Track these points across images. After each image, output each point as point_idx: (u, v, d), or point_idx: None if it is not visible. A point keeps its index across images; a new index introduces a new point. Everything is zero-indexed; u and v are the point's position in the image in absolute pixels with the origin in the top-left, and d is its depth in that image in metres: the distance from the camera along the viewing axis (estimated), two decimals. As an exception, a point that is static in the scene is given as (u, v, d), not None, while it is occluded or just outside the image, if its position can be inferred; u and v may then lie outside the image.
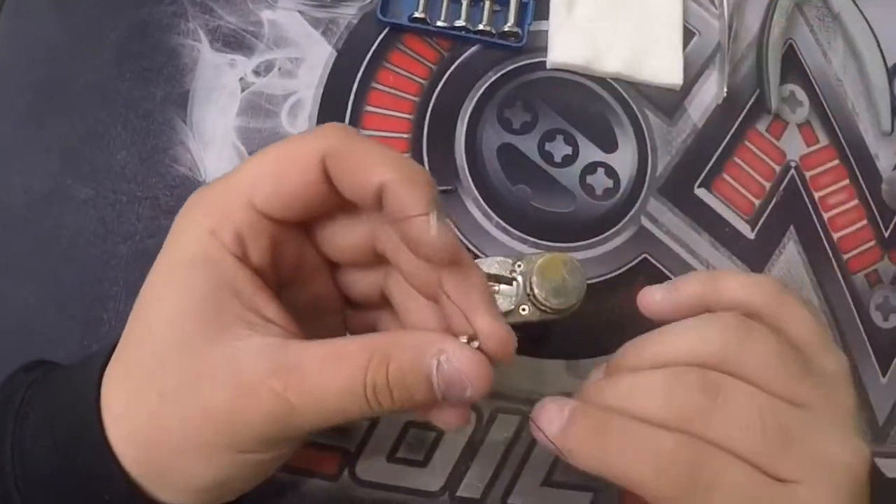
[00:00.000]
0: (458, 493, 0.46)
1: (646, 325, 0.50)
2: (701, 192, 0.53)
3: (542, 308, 0.41)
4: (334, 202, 0.30)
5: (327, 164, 0.29)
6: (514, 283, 0.41)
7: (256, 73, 0.50)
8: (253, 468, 0.30)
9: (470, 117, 0.51)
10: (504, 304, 0.41)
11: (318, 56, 0.51)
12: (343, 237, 0.32)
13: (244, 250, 0.29)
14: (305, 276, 0.33)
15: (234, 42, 0.50)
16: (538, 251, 0.48)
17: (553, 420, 0.32)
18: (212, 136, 0.48)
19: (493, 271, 0.41)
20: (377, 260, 0.33)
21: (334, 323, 0.36)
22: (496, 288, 0.41)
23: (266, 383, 0.27)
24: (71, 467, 0.29)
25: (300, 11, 0.51)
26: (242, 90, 0.49)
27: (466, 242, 0.49)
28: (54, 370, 0.35)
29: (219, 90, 0.49)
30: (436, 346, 0.29)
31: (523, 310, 0.41)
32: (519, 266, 0.42)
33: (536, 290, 0.41)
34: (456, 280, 0.30)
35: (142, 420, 0.29)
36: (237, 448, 0.28)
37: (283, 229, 0.30)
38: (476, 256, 0.47)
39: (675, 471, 0.30)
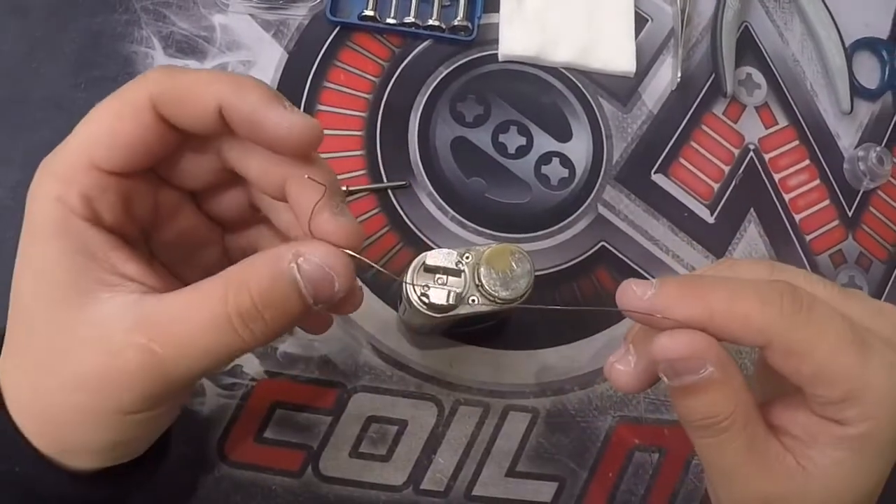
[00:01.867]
0: (423, 486, 0.46)
1: (605, 313, 0.50)
2: (658, 178, 0.53)
3: (492, 298, 0.41)
4: (175, 139, 0.30)
5: (157, 106, 0.28)
6: (462, 274, 0.41)
7: (210, 77, 0.50)
8: (145, 425, 0.29)
9: (422, 112, 0.52)
10: (452, 296, 0.41)
11: (269, 58, 0.51)
12: (194, 166, 0.32)
13: (94, 211, 0.29)
14: (168, 215, 0.33)
15: (187, 47, 0.51)
16: (490, 243, 0.48)
17: (642, 288, 0.31)
18: (168, 141, 0.49)
19: (439, 263, 0.41)
20: (234, 178, 0.32)
21: (215, 253, 0.36)
22: (444, 279, 0.41)
23: (129, 339, 0.27)
24: None
25: (251, 14, 0.52)
26: (196, 95, 0.50)
27: (422, 237, 0.50)
28: None
29: (173, 96, 0.50)
30: (290, 252, 0.28)
31: (472, 301, 0.42)
32: (467, 257, 0.42)
33: (484, 281, 0.41)
34: (299, 184, 0.30)
35: (26, 393, 0.29)
36: (120, 410, 0.28)
37: (130, 180, 0.30)
38: (429, 249, 0.47)
39: (779, 298, 0.28)
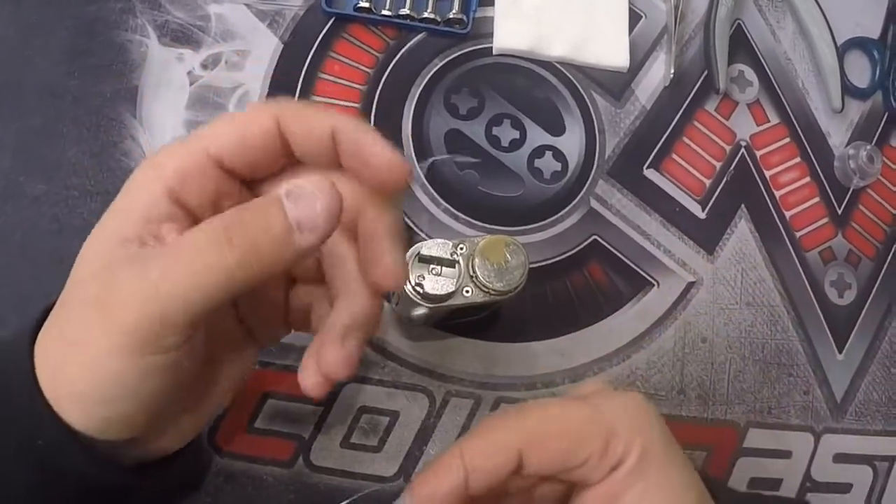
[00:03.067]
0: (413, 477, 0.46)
1: (595, 306, 0.50)
2: (650, 173, 0.54)
3: (486, 290, 0.42)
4: (280, 163, 0.32)
5: (281, 120, 0.30)
6: (456, 265, 0.41)
7: (204, 66, 0.50)
8: (129, 379, 0.29)
9: (417, 104, 0.52)
10: (447, 286, 0.41)
11: (264, 48, 0.51)
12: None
13: (183, 187, 0.30)
14: None
15: (181, 37, 0.50)
16: (483, 234, 0.48)
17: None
18: (161, 130, 0.49)
19: (434, 253, 0.41)
20: None
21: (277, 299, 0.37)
22: (438, 270, 0.41)
23: (133, 269, 0.28)
24: None
25: (247, 4, 0.52)
26: (191, 84, 0.50)
27: (415, 229, 0.50)
28: None
29: (167, 85, 0.50)
30: (287, 183, 0.30)
31: (466, 292, 0.42)
32: (461, 248, 0.42)
33: (479, 272, 0.41)
34: (375, 212, 0.32)
35: (53, 334, 0.30)
36: (108, 343, 0.28)
37: (229, 182, 0.31)
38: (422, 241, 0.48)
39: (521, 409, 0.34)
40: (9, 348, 0.31)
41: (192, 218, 0.31)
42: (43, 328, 0.30)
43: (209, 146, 0.31)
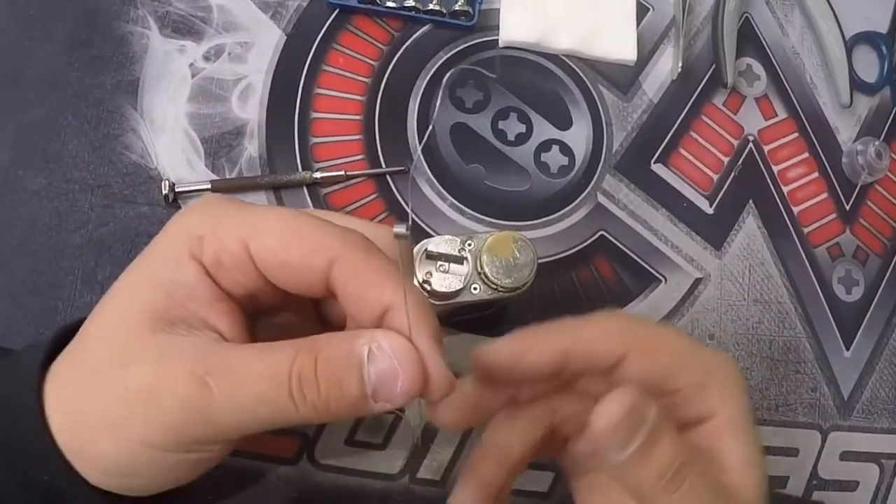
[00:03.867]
0: (419, 475, 0.46)
1: (602, 302, 0.50)
2: (658, 168, 0.53)
3: (494, 286, 0.41)
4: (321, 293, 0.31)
5: (334, 272, 0.29)
6: (465, 261, 0.41)
7: (206, 58, 0.49)
8: (159, 466, 0.29)
9: (422, 97, 0.51)
10: (454, 283, 0.41)
11: (267, 40, 0.50)
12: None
13: (217, 271, 0.29)
14: (285, 307, 0.33)
15: (183, 28, 0.50)
16: (491, 230, 0.47)
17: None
18: (163, 122, 0.48)
19: (441, 250, 0.41)
20: None
21: None
22: (445, 267, 0.41)
23: (186, 366, 0.27)
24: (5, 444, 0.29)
25: (249, -5, 0.51)
26: (193, 76, 0.49)
27: (420, 224, 0.49)
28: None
29: (169, 77, 0.49)
30: (368, 336, 0.28)
31: (475, 289, 0.41)
32: (469, 245, 0.41)
33: (487, 269, 0.41)
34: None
35: (73, 389, 0.29)
36: (147, 437, 0.27)
37: (266, 283, 0.30)
38: (428, 236, 0.47)
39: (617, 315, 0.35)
40: (19, 382, 0.30)
41: (229, 299, 0.30)
42: (62, 375, 0.29)
43: (251, 243, 0.29)
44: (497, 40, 0.53)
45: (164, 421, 0.27)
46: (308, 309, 0.34)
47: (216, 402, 0.27)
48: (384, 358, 0.28)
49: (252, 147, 0.48)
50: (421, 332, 0.28)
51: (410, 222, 0.29)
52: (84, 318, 0.31)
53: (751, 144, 0.55)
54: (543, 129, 0.52)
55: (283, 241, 0.29)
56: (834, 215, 0.55)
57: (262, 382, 0.27)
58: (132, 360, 0.28)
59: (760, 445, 0.32)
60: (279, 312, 0.34)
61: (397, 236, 0.27)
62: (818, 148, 0.56)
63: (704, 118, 0.55)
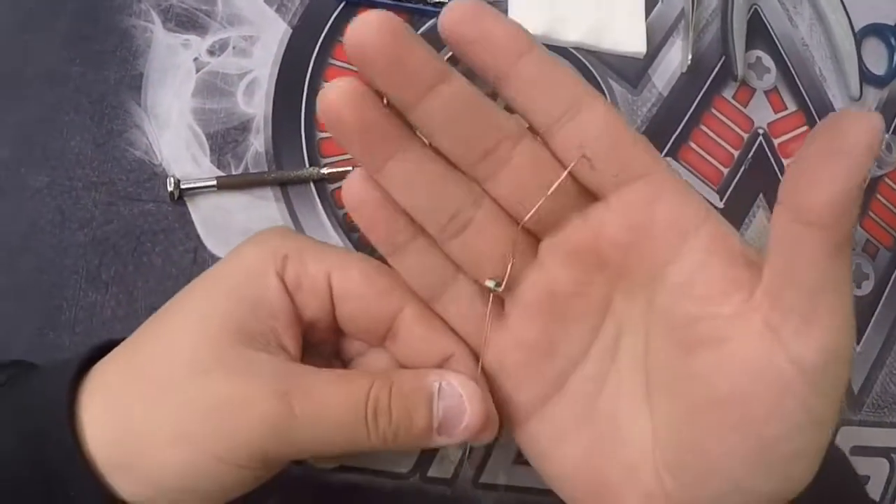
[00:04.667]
0: (430, 474, 0.45)
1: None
2: (668, 162, 0.52)
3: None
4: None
5: (404, 315, 0.31)
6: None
7: (211, 52, 0.49)
8: (224, 481, 0.29)
9: (430, 92, 0.50)
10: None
11: (273, 33, 0.50)
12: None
13: (295, 292, 0.30)
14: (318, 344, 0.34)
15: (187, 22, 0.49)
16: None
17: None
18: (167, 118, 0.47)
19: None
20: None
21: None
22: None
23: (272, 386, 0.27)
24: (33, 458, 0.28)
25: (254, -12, 0.50)
26: (197, 70, 0.48)
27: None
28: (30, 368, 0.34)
29: (173, 71, 0.48)
30: (438, 373, 0.30)
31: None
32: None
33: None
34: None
35: (132, 400, 0.28)
36: (224, 452, 0.27)
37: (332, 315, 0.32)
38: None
39: None
40: (47, 397, 0.29)
41: (299, 324, 0.31)
42: (114, 386, 0.29)
43: (333, 273, 0.31)
44: (505, 33, 0.52)
45: (244, 436, 0.27)
46: (328, 355, 0.35)
47: (297, 423, 0.27)
48: (453, 395, 0.29)
49: (258, 142, 0.48)
50: (481, 381, 0.31)
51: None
52: (118, 340, 0.31)
53: (761, 137, 0.54)
54: (552, 123, 0.52)
55: (367, 276, 0.31)
56: (844, 209, 0.55)
57: (341, 408, 0.28)
58: (216, 370, 0.28)
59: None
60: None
61: (490, 290, 0.29)
62: (828, 141, 0.55)
63: (714, 111, 0.54)
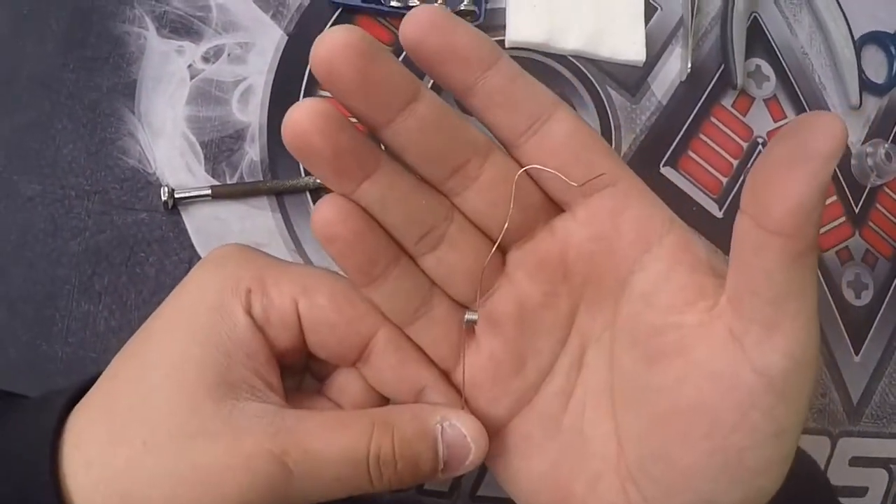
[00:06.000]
0: (427, 486, 0.45)
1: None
2: (667, 171, 0.52)
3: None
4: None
5: (376, 342, 0.30)
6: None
7: (205, 59, 0.48)
8: None
9: (427, 100, 0.50)
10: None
11: (268, 40, 0.49)
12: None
13: (264, 327, 0.29)
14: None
15: (181, 28, 0.48)
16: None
17: None
18: (161, 126, 0.47)
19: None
20: None
21: None
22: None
23: (264, 446, 0.26)
24: None
25: (249, -6, 0.50)
26: (191, 78, 0.48)
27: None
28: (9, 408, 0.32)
29: (167, 78, 0.48)
30: (438, 413, 0.29)
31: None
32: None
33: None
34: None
35: (120, 467, 0.26)
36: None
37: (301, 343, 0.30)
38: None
39: None
40: (32, 438, 0.27)
41: (275, 352, 0.30)
42: (95, 452, 0.27)
43: (300, 300, 0.29)
44: (504, 40, 0.52)
45: (241, 499, 0.26)
46: (299, 372, 0.34)
47: (294, 481, 0.26)
48: (456, 435, 0.29)
49: (253, 151, 0.47)
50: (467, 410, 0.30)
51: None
52: (93, 379, 0.29)
53: (760, 146, 0.54)
54: (551, 132, 0.51)
55: (335, 301, 0.29)
56: (843, 218, 0.54)
57: (341, 463, 0.27)
58: (199, 434, 0.26)
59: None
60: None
61: (468, 322, 0.29)
62: (827, 150, 0.55)
63: (714, 120, 0.54)
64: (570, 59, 0.53)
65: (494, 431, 0.31)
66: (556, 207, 0.30)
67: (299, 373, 0.33)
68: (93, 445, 0.27)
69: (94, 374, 0.30)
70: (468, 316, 0.29)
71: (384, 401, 0.32)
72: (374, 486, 0.28)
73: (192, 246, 0.45)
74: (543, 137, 0.28)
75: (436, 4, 0.27)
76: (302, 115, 0.26)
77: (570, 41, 0.52)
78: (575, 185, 0.28)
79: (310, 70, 0.49)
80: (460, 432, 0.29)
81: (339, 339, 0.30)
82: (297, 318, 0.29)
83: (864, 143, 0.55)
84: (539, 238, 0.30)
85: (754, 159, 0.54)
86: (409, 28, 0.26)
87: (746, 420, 0.25)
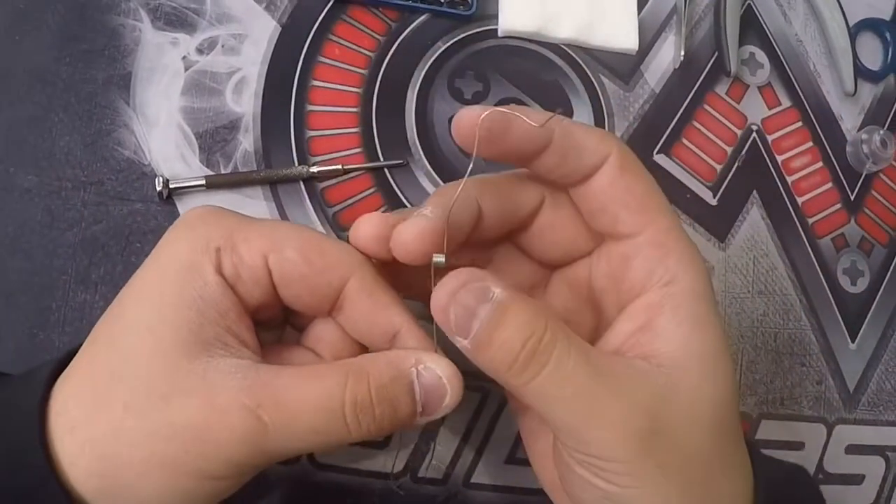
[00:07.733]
0: (420, 474, 0.45)
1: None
2: (660, 159, 0.52)
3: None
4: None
5: (348, 290, 0.30)
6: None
7: (200, 51, 0.48)
8: (210, 495, 0.28)
9: (420, 89, 0.50)
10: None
11: (261, 31, 0.49)
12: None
13: (236, 288, 0.29)
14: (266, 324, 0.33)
15: (175, 20, 0.49)
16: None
17: None
18: (156, 117, 0.47)
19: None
20: None
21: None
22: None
23: (238, 400, 0.26)
24: (8, 485, 0.27)
25: (242, -14, 0.50)
26: (186, 69, 0.48)
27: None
28: None
29: (162, 70, 0.48)
30: (413, 358, 0.29)
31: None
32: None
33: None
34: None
35: (102, 430, 0.27)
36: (203, 471, 0.27)
37: (275, 295, 0.31)
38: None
39: None
40: (18, 404, 0.28)
41: (248, 313, 0.30)
42: (82, 415, 0.28)
43: (269, 255, 0.29)
44: (496, 30, 0.52)
45: (220, 454, 0.27)
46: (278, 325, 0.34)
47: (270, 434, 0.27)
48: (432, 377, 0.29)
49: (247, 141, 0.47)
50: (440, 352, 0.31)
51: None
52: (74, 350, 0.30)
53: (754, 134, 0.54)
54: (544, 121, 0.51)
55: (304, 254, 0.29)
56: (839, 205, 0.54)
57: (317, 414, 0.27)
58: (175, 393, 0.27)
59: (721, 334, 0.30)
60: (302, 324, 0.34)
61: (436, 265, 0.29)
62: (822, 137, 0.55)
63: (707, 107, 0.54)
64: (564, 47, 0.53)
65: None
66: (599, 239, 0.34)
67: (279, 326, 0.34)
68: (77, 410, 0.27)
69: (79, 343, 0.30)
70: (436, 259, 0.29)
71: (363, 349, 0.33)
72: (352, 436, 0.28)
73: (186, 236, 0.45)
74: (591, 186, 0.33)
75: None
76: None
77: (563, 30, 0.52)
78: (535, 124, 0.30)
79: (303, 60, 0.49)
80: (435, 374, 0.29)
81: (311, 291, 0.30)
82: (267, 272, 0.29)
83: (859, 129, 0.55)
84: (576, 265, 0.35)
85: (748, 146, 0.54)
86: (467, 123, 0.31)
87: None
